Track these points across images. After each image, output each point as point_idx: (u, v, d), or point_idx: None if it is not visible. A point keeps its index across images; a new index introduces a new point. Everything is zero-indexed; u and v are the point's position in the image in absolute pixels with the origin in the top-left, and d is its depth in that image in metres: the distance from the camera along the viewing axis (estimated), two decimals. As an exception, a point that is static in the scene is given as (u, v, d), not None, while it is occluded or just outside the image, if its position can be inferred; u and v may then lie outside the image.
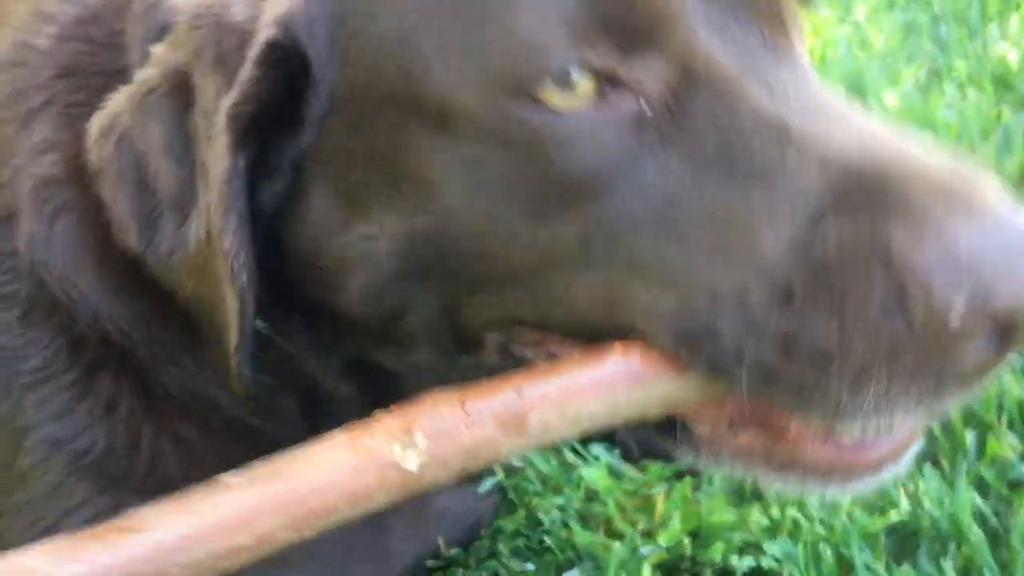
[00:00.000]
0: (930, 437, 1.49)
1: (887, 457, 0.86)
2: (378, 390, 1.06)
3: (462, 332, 0.94)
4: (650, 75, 0.81)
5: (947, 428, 1.49)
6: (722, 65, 0.81)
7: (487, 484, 1.41)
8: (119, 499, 1.17)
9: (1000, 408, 1.50)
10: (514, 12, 0.79)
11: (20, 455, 1.15)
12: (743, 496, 1.41)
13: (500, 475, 1.42)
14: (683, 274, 0.80)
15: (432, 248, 0.88)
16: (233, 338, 0.93)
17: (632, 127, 0.80)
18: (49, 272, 1.11)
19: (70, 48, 1.14)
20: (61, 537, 0.72)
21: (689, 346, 0.79)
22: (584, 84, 0.79)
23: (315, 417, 1.17)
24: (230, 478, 0.74)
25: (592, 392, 0.77)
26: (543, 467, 1.44)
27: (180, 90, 0.94)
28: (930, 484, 1.38)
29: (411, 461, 0.72)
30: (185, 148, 0.93)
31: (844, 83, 2.42)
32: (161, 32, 1.01)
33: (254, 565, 1.22)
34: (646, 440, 1.48)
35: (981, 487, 1.40)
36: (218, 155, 0.88)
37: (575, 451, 1.47)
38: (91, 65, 1.13)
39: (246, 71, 0.87)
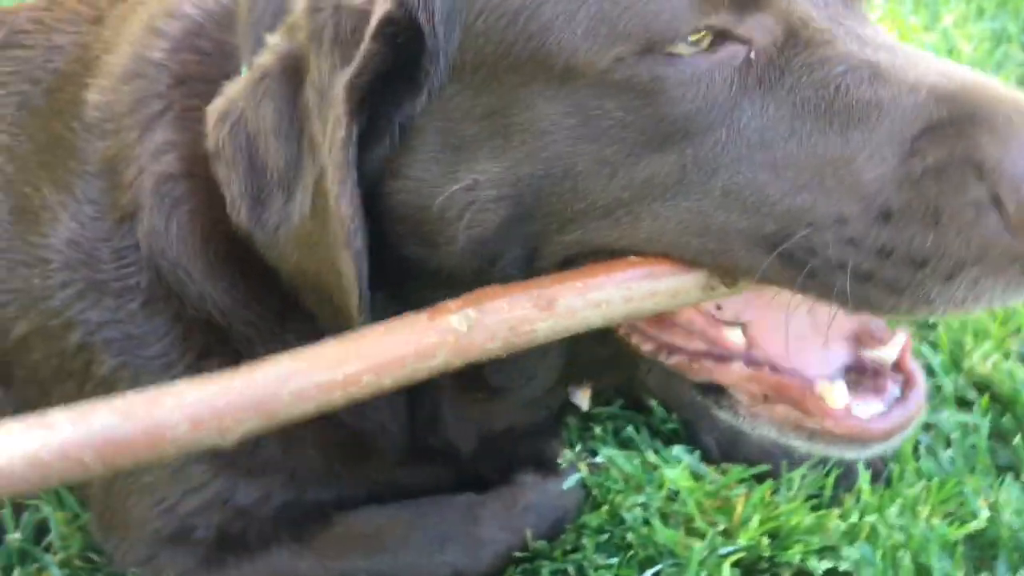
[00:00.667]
0: (1012, 448, 1.51)
1: (898, 426, 1.01)
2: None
3: (547, 269, 1.03)
4: (758, 30, 0.93)
5: (1027, 439, 1.51)
6: (817, 21, 0.93)
7: (571, 481, 1.46)
8: (231, 480, 1.28)
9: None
10: None
11: None
12: (821, 500, 1.44)
13: (583, 472, 1.47)
14: (783, 203, 0.91)
15: (536, 190, 0.98)
16: (354, 301, 1.01)
17: (740, 73, 0.93)
18: (165, 260, 1.22)
19: (181, 59, 1.25)
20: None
21: (788, 264, 0.91)
22: (703, 38, 0.92)
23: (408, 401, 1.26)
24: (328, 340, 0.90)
25: (610, 283, 0.95)
26: (626, 466, 1.49)
27: (292, 73, 1.03)
28: (1010, 494, 1.40)
29: (463, 325, 0.91)
30: (293, 127, 1.02)
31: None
32: (275, 19, 1.10)
33: (356, 549, 1.33)
34: (729, 440, 1.54)
35: (1061, 499, 1.42)
36: (335, 125, 0.96)
37: (656, 452, 1.52)
38: (202, 73, 1.24)
39: (364, 45, 0.96)
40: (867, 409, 1.02)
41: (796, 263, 0.91)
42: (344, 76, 0.96)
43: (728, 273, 0.96)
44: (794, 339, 1.03)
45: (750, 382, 1.04)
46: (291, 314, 1.19)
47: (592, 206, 0.97)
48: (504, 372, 1.20)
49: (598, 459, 1.52)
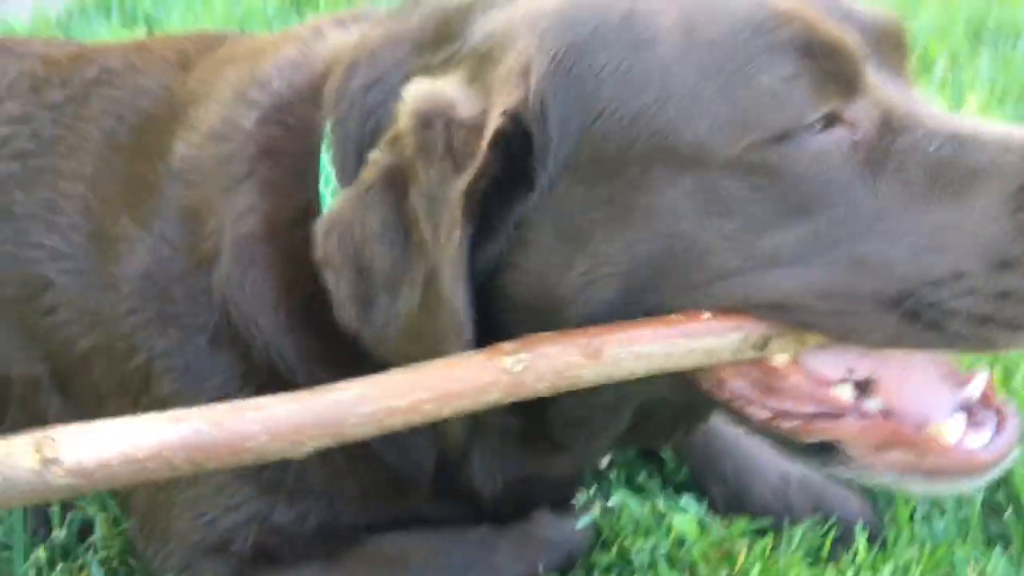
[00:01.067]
0: (1002, 521, 1.59)
1: (1003, 454, 1.10)
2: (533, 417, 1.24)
3: None
4: (861, 115, 1.05)
5: (1019, 512, 1.59)
6: (901, 107, 1.06)
7: (584, 521, 1.55)
8: (271, 502, 1.38)
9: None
10: (768, 83, 1.02)
11: None
12: (819, 556, 1.53)
13: (597, 513, 1.56)
14: (903, 267, 1.02)
15: (654, 265, 1.07)
16: (454, 337, 1.08)
17: (851, 153, 1.04)
18: (237, 309, 1.33)
19: (269, 131, 1.36)
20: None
21: (910, 320, 1.02)
22: (819, 122, 1.03)
23: (441, 459, 1.36)
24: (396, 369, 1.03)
25: (652, 338, 1.05)
26: (636, 511, 1.58)
27: (396, 184, 1.11)
28: (998, 564, 1.48)
29: (516, 366, 1.01)
30: (399, 233, 1.11)
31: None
32: (373, 138, 1.19)
33: (382, 570, 1.42)
34: (734, 493, 1.64)
35: (1047, 571, 1.50)
36: (450, 228, 1.05)
37: (666, 499, 1.61)
38: (286, 148, 1.34)
39: (481, 155, 1.05)
40: (977, 440, 1.10)
41: (917, 318, 1.02)
42: (459, 183, 1.05)
43: (844, 336, 1.06)
44: (906, 387, 1.12)
45: (864, 433, 1.11)
46: (358, 372, 1.28)
47: (713, 275, 1.06)
48: (572, 429, 1.29)
49: (610, 503, 1.61)
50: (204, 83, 1.48)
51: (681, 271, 1.07)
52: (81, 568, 1.55)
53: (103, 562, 1.55)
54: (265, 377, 1.35)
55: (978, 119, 1.13)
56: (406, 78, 1.19)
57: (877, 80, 1.09)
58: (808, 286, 1.04)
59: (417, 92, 1.13)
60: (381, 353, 1.17)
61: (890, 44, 1.14)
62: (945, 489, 1.18)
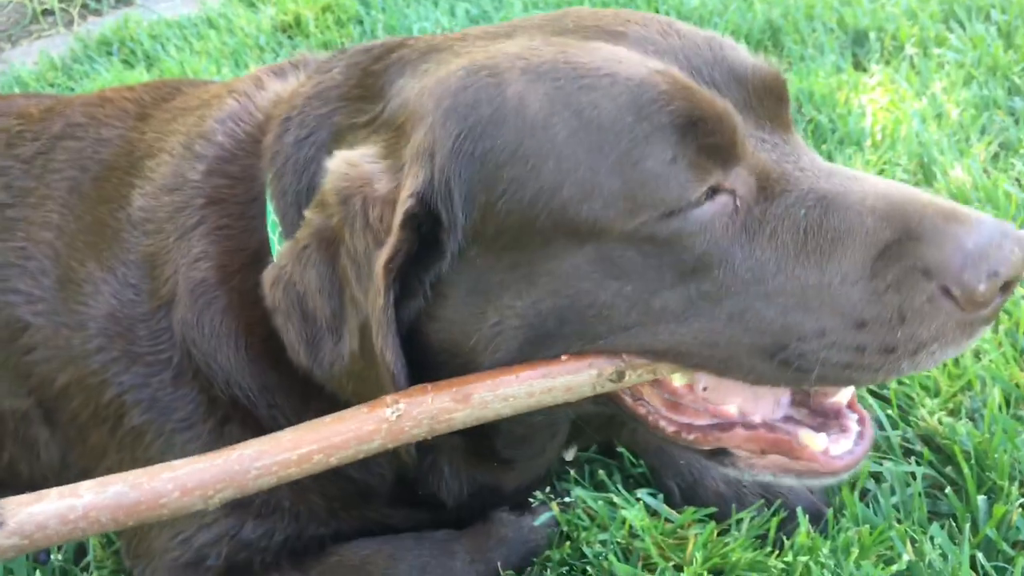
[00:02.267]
0: (937, 499, 1.65)
1: (858, 459, 1.28)
2: (477, 438, 1.36)
3: None
4: (740, 182, 1.15)
5: (959, 490, 1.64)
6: (775, 170, 1.17)
7: (543, 518, 1.63)
8: (240, 520, 1.49)
9: (1013, 475, 1.64)
10: (653, 167, 1.11)
11: None
12: (765, 541, 1.60)
13: (555, 511, 1.65)
14: (776, 323, 1.15)
15: (558, 318, 1.19)
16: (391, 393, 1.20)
17: (732, 221, 1.16)
18: (196, 347, 1.45)
19: (214, 182, 1.48)
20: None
21: (782, 367, 1.16)
22: (704, 195, 1.13)
23: (402, 471, 1.48)
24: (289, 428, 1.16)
25: (516, 381, 1.19)
26: (593, 505, 1.66)
27: (327, 244, 1.22)
28: (936, 540, 1.54)
29: (394, 415, 1.15)
30: (335, 286, 1.22)
31: (912, 156, 2.55)
32: (309, 191, 1.31)
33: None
34: (689, 485, 1.71)
35: (986, 546, 1.55)
36: (375, 295, 1.16)
37: (623, 494, 1.69)
38: (231, 196, 1.46)
39: (394, 234, 1.15)
40: (839, 448, 1.28)
41: (789, 365, 1.16)
42: (378, 259, 1.15)
43: (728, 375, 1.20)
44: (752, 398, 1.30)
45: (749, 442, 1.28)
46: (315, 397, 1.37)
47: (614, 328, 1.18)
48: (515, 447, 1.45)
49: (568, 499, 1.69)
50: (157, 135, 1.60)
51: (584, 324, 1.18)
52: (78, 588, 1.66)
53: (98, 581, 1.67)
54: (227, 409, 1.47)
55: (849, 171, 1.20)
56: (334, 135, 1.31)
57: (755, 142, 1.18)
58: (696, 337, 1.16)
59: (338, 168, 1.23)
60: (332, 389, 1.30)
61: (770, 96, 1.22)
62: (814, 485, 1.44)
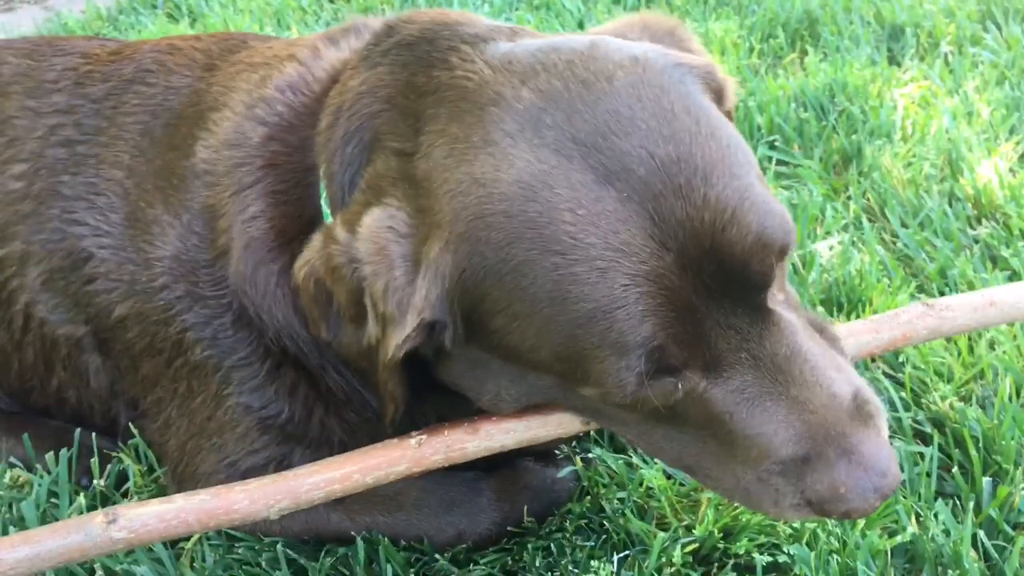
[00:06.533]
0: (943, 479, 1.71)
1: None
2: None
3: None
4: (685, 378, 1.20)
5: (965, 472, 1.71)
6: (726, 356, 1.19)
7: (566, 471, 1.71)
8: (290, 449, 1.58)
9: (1019, 460, 1.71)
10: (607, 367, 1.18)
11: (220, 411, 1.58)
12: (776, 507, 1.67)
13: (578, 465, 1.72)
14: (685, 456, 1.31)
15: (546, 402, 1.36)
16: (389, 411, 1.39)
17: (672, 394, 1.21)
18: (247, 299, 1.54)
19: (274, 147, 1.55)
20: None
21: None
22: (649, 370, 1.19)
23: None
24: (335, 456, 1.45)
25: (517, 420, 1.42)
26: (613, 464, 1.74)
27: (356, 273, 1.27)
28: (940, 516, 1.61)
29: (417, 445, 1.41)
30: (360, 300, 1.28)
31: (940, 151, 2.61)
32: (351, 185, 1.40)
33: (378, 506, 1.61)
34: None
35: (988, 525, 1.62)
36: (387, 357, 1.28)
37: (640, 455, 1.76)
38: (287, 163, 1.54)
39: (407, 329, 1.25)
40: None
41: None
42: (391, 342, 1.26)
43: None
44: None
45: None
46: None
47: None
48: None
49: (590, 455, 1.77)
50: (223, 89, 1.67)
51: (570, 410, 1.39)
52: (118, 511, 1.75)
53: (137, 506, 1.75)
54: (279, 356, 1.57)
55: (811, 363, 1.22)
56: (373, 142, 1.38)
57: (718, 330, 1.17)
58: (647, 444, 1.38)
59: (370, 233, 1.27)
60: (343, 359, 1.42)
61: (747, 284, 1.18)
62: None
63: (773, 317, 1.20)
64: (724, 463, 1.26)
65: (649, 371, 1.17)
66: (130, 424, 1.81)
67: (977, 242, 2.32)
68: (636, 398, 1.20)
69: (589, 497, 1.70)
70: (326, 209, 1.46)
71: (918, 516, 1.63)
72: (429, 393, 1.41)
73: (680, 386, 1.20)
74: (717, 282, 1.16)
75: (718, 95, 1.32)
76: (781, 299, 1.24)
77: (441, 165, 1.24)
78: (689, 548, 1.57)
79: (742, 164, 1.19)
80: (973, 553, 1.56)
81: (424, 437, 1.40)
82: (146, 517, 1.34)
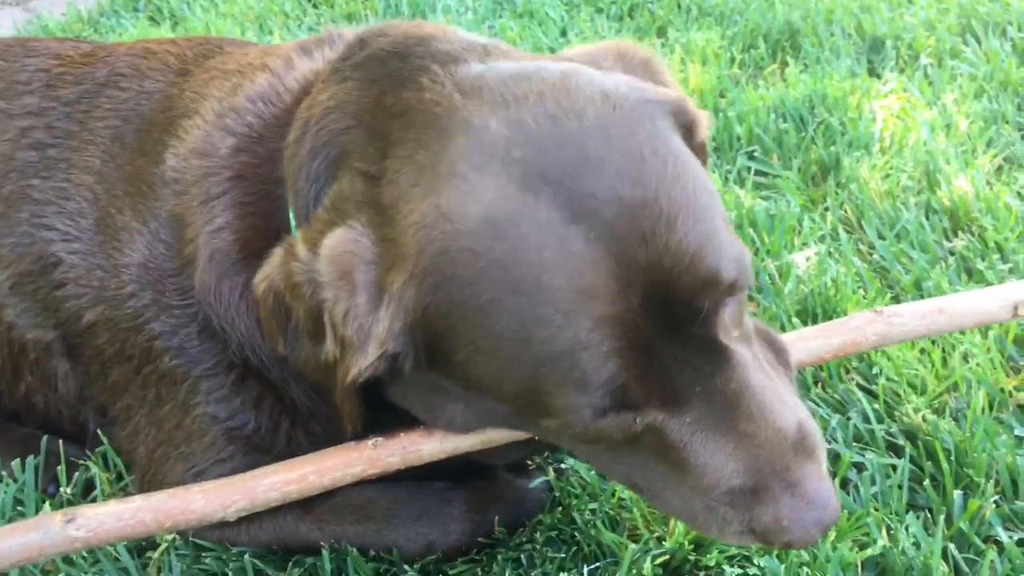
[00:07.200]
0: (915, 492, 1.71)
1: None
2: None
3: None
4: (641, 415, 1.21)
5: (937, 484, 1.71)
6: (681, 390, 1.20)
7: (538, 481, 1.70)
8: (257, 460, 1.58)
9: (990, 473, 1.71)
10: (566, 402, 1.18)
11: (188, 420, 1.57)
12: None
13: (551, 476, 1.72)
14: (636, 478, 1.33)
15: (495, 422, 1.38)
16: (347, 430, 1.39)
17: (631, 427, 1.22)
18: (212, 311, 1.52)
19: (242, 159, 1.54)
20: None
21: None
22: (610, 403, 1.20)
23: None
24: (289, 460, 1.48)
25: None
26: (586, 475, 1.73)
27: (317, 293, 1.25)
28: (911, 529, 1.61)
29: (373, 447, 1.44)
30: (319, 318, 1.27)
31: (918, 163, 2.62)
32: (315, 200, 1.37)
33: (348, 516, 1.60)
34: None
35: (959, 539, 1.62)
36: (346, 381, 1.27)
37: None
38: (256, 175, 1.52)
39: (368, 358, 1.24)
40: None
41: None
42: (354, 371, 1.25)
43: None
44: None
45: None
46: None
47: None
48: None
49: (563, 466, 1.76)
50: (195, 95, 1.66)
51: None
52: (86, 519, 1.73)
53: (105, 514, 1.74)
54: (243, 369, 1.55)
55: (759, 398, 1.23)
56: (339, 158, 1.35)
57: (673, 363, 1.18)
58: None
59: (334, 253, 1.25)
60: (298, 372, 1.43)
61: (695, 320, 1.18)
62: None
63: (726, 354, 1.21)
64: (674, 487, 1.27)
65: (611, 408, 1.18)
66: (98, 431, 1.79)
67: (953, 254, 2.33)
68: (596, 431, 1.21)
69: (561, 508, 1.69)
70: (294, 223, 1.44)
71: (889, 529, 1.63)
72: (385, 412, 1.39)
73: (639, 420, 1.21)
74: (674, 321, 1.17)
75: (689, 130, 1.32)
76: (736, 335, 1.24)
77: (407, 195, 1.21)
78: (660, 560, 1.57)
79: (706, 208, 1.19)
80: (944, 566, 1.56)
81: (381, 439, 1.42)
82: (104, 516, 1.35)
